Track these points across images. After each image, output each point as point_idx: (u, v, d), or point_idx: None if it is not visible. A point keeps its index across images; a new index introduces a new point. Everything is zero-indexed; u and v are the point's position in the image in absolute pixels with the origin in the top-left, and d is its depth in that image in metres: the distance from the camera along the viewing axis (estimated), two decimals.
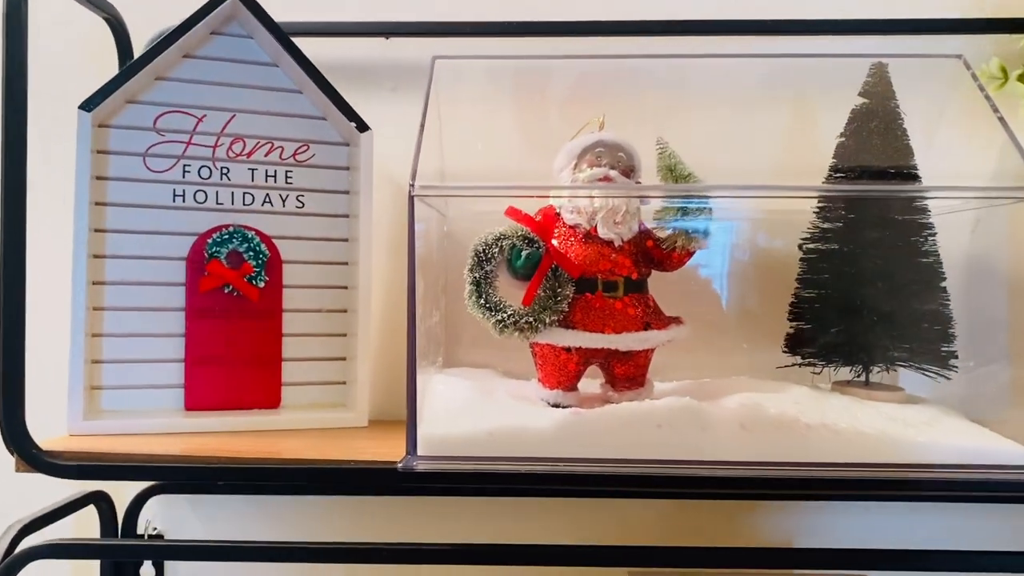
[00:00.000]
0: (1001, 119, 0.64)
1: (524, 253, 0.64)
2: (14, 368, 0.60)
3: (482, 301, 0.64)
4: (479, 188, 0.65)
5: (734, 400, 0.61)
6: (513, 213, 0.65)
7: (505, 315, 0.63)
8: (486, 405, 0.63)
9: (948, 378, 0.66)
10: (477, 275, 0.64)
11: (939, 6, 0.79)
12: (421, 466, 0.58)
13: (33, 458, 0.62)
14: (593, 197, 0.66)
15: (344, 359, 0.79)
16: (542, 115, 0.76)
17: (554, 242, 0.66)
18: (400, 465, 0.58)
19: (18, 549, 0.62)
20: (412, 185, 0.59)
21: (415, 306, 0.59)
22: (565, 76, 0.77)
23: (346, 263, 0.79)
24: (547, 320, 0.64)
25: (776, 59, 0.74)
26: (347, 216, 0.79)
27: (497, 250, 0.64)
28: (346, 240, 0.79)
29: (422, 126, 0.63)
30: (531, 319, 0.64)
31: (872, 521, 0.80)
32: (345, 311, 0.79)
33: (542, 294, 0.64)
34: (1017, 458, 0.58)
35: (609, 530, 0.80)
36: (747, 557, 0.63)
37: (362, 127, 0.77)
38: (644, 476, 0.57)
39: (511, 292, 0.65)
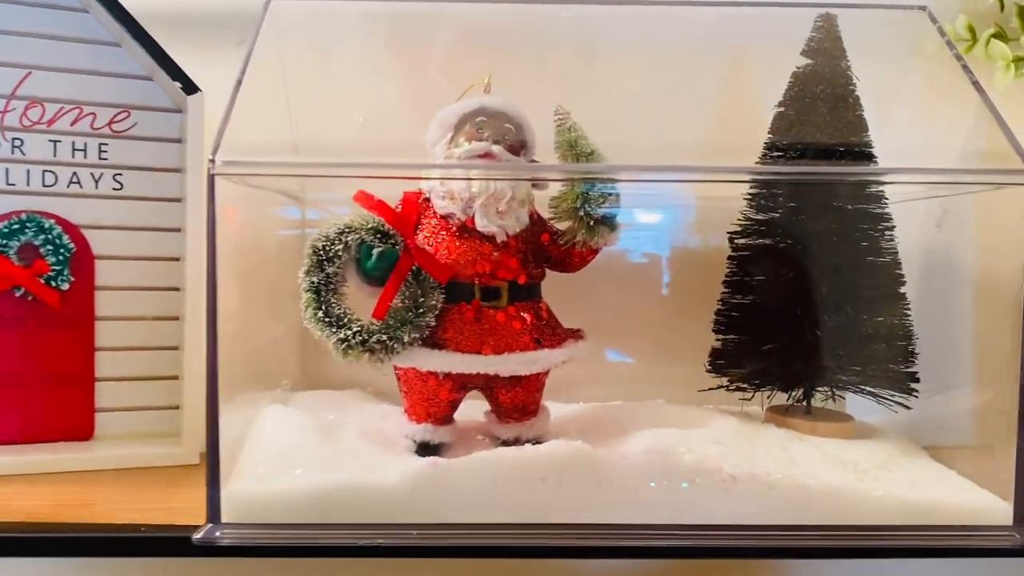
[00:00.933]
0: (976, 83, 0.51)
1: (376, 251, 0.50)
2: None
3: (321, 314, 0.49)
4: (313, 165, 0.50)
5: (641, 442, 0.47)
6: (363, 199, 0.50)
7: (350, 332, 0.49)
8: (323, 450, 0.48)
9: (908, 407, 0.54)
10: (316, 279, 0.49)
11: None
12: (226, 539, 0.44)
13: None
14: (470, 179, 0.51)
15: (175, 378, 0.64)
16: (418, 73, 0.61)
17: (419, 237, 0.52)
18: (196, 537, 0.44)
19: None
20: (212, 161, 0.44)
21: (216, 322, 0.44)
22: (447, 26, 0.62)
23: (177, 259, 0.64)
24: (407, 338, 0.49)
25: (703, 7, 0.60)
26: (178, 200, 0.64)
27: (341, 247, 0.49)
28: (177, 230, 0.63)
29: (238, 83, 0.48)
30: (385, 337, 0.49)
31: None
32: (176, 319, 0.63)
33: (400, 304, 0.50)
34: (997, 515, 0.45)
35: None
36: None
37: (190, 88, 0.61)
38: (521, 547, 0.44)
39: (364, 301, 0.50)
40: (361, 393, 0.64)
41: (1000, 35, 0.63)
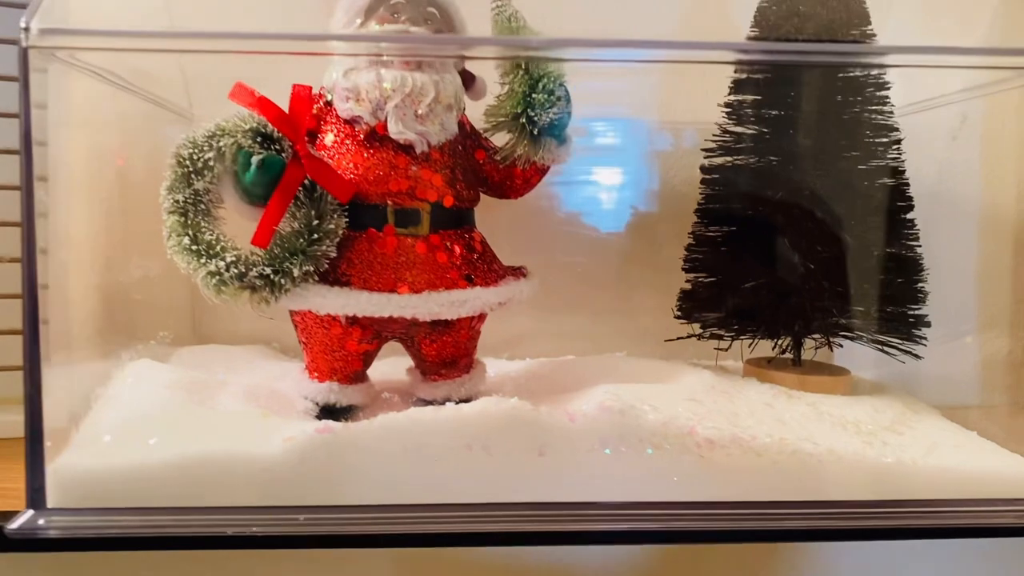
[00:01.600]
0: None
1: (256, 159, 0.39)
2: None
3: (187, 240, 0.38)
4: (167, 36, 0.39)
5: (594, 399, 0.37)
6: (241, 94, 0.39)
7: (223, 263, 0.38)
8: (191, 415, 0.38)
9: (918, 356, 0.44)
10: (181, 197, 0.39)
11: None
12: (52, 529, 0.33)
13: None
14: (381, 57, 0.40)
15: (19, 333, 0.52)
16: None
17: (317, 151, 0.41)
18: (11, 527, 0.33)
19: None
20: (26, 29, 0.32)
21: (35, 260, 0.34)
22: None
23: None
24: (297, 272, 0.39)
25: None
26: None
27: (213, 154, 0.38)
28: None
29: None
30: (269, 271, 0.38)
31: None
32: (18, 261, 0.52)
33: (290, 229, 0.39)
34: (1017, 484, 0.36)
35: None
36: None
37: None
38: (439, 535, 0.33)
39: (245, 224, 0.40)
40: (264, 349, 0.53)
41: None
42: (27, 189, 0.34)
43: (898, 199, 0.45)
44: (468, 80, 0.45)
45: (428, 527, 0.34)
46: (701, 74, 0.49)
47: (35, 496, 0.34)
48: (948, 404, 0.46)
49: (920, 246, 0.45)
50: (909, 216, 0.45)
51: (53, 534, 0.33)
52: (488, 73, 0.44)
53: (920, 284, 0.45)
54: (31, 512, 0.34)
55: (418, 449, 0.35)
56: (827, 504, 0.35)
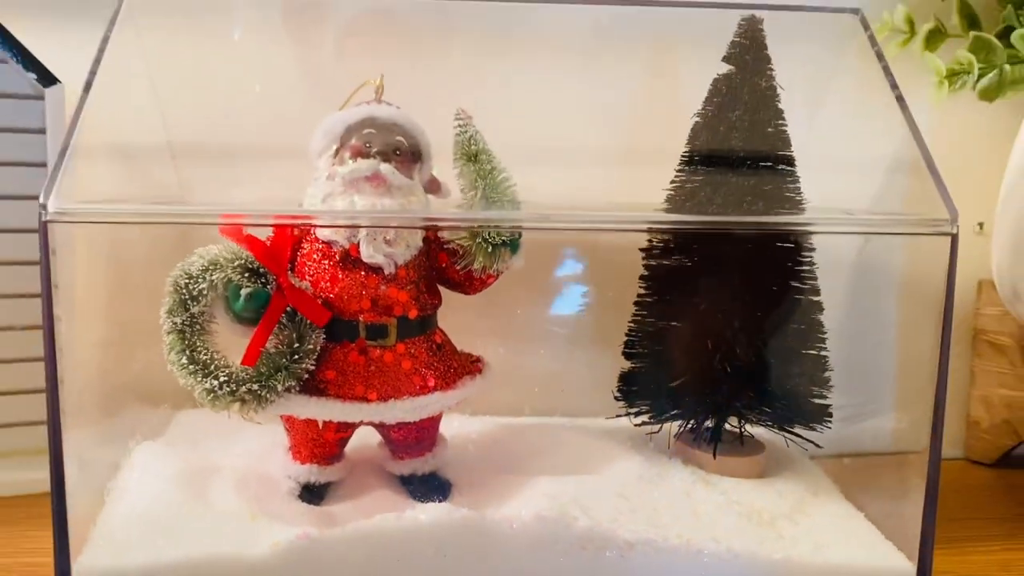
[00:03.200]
0: (899, 98, 0.47)
1: (245, 292, 0.45)
2: None
3: (185, 360, 0.44)
4: (170, 213, 0.44)
5: (533, 503, 0.44)
6: (231, 232, 0.45)
7: (217, 381, 0.44)
8: (190, 516, 0.44)
9: (820, 446, 0.51)
10: (179, 320, 0.44)
11: None
12: None
13: None
14: (356, 226, 0.46)
15: (42, 391, 0.58)
16: (304, 63, 0.55)
17: (298, 264, 0.47)
18: None
19: None
20: (43, 208, 0.38)
21: (56, 386, 0.40)
22: (335, 22, 0.55)
23: (37, 263, 0.57)
24: (280, 387, 0.45)
25: (619, 8, 0.54)
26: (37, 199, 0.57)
27: (206, 285, 0.44)
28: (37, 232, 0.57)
29: (82, 100, 0.42)
30: (256, 387, 0.45)
31: None
32: (40, 328, 0.58)
33: (274, 349, 0.45)
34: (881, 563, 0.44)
35: None
36: None
37: (48, 81, 0.54)
38: None
39: (233, 341, 0.46)
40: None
41: (938, 30, 0.58)
42: (48, 327, 0.40)
43: (810, 302, 0.51)
44: (434, 186, 0.51)
45: None
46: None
47: None
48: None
49: (826, 346, 0.52)
50: (819, 318, 0.52)
51: None
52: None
53: (827, 379, 0.52)
54: None
55: (383, 552, 0.42)
56: None
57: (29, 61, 0.55)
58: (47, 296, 0.41)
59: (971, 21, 0.57)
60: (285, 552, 0.41)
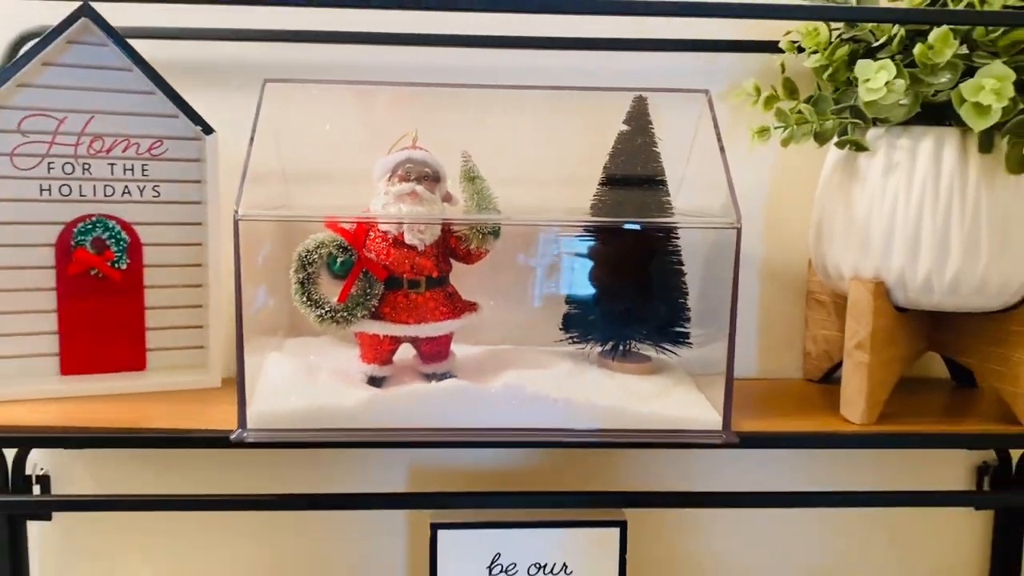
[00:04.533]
0: (722, 149, 0.79)
1: (339, 260, 0.78)
2: None
3: (305, 298, 0.78)
4: (302, 215, 0.78)
5: (502, 380, 0.78)
6: (332, 226, 0.78)
7: (323, 311, 0.78)
8: (308, 383, 0.78)
9: (678, 355, 0.84)
10: (301, 276, 0.78)
11: (715, 29, 0.94)
12: (250, 438, 0.74)
13: None
14: (398, 220, 0.79)
15: (200, 327, 0.92)
16: (366, 128, 0.88)
17: (366, 249, 0.80)
18: (232, 436, 0.74)
19: None
20: (236, 211, 0.72)
21: (242, 314, 0.73)
22: (386, 97, 0.89)
23: (199, 244, 0.91)
24: (359, 315, 0.79)
25: (562, 91, 0.88)
26: (199, 203, 0.91)
27: (317, 256, 0.78)
28: (199, 224, 0.91)
29: (249, 149, 0.75)
30: (345, 314, 0.78)
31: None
32: (200, 286, 0.92)
33: (355, 293, 0.79)
34: (708, 423, 0.76)
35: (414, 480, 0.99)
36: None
37: (207, 129, 0.88)
38: (425, 442, 0.74)
39: (332, 288, 0.79)
40: (330, 339, 0.93)
41: (773, 95, 0.90)
42: (238, 302, 0.73)
43: (676, 270, 0.84)
44: (448, 198, 0.84)
45: (425, 438, 0.74)
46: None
47: (242, 422, 0.74)
48: (706, 373, 0.85)
49: (687, 293, 0.84)
50: (683, 279, 0.85)
51: (250, 440, 0.74)
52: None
53: (686, 313, 0.85)
54: (240, 430, 0.74)
55: (419, 403, 0.75)
56: (605, 430, 0.75)
57: (192, 116, 0.88)
58: (237, 269, 0.74)
59: (791, 90, 0.89)
60: (364, 402, 0.75)
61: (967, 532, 1.05)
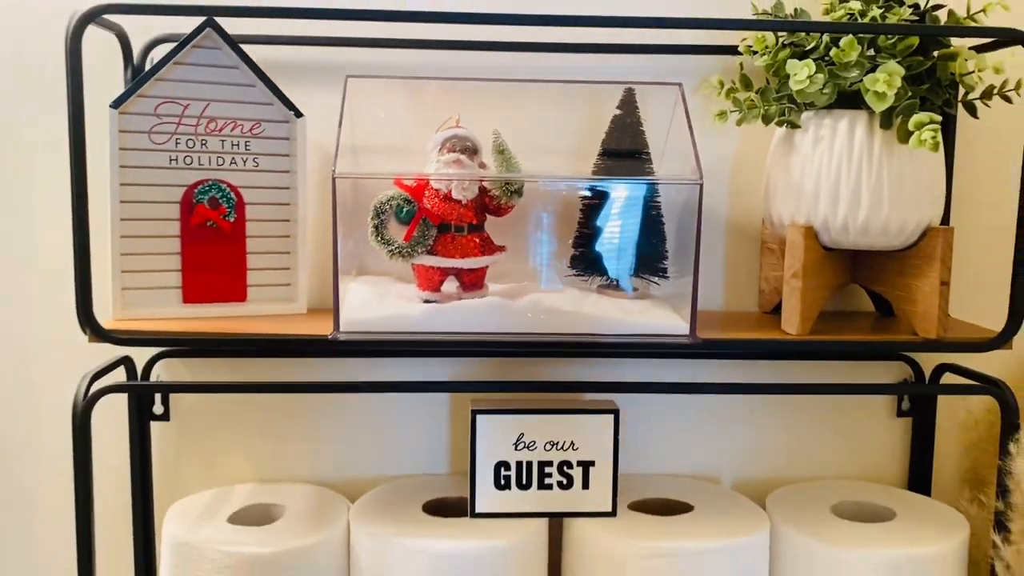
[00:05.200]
0: (690, 128, 1.06)
1: (404, 209, 1.05)
2: (85, 280, 0.98)
3: (378, 238, 1.05)
4: (377, 174, 1.05)
5: (527, 300, 1.04)
6: (398, 183, 1.05)
7: (393, 247, 1.05)
8: (382, 301, 1.05)
9: (658, 284, 1.11)
10: (375, 222, 1.05)
11: (686, 35, 1.20)
12: (342, 337, 1.00)
13: (100, 333, 1.01)
14: (449, 178, 1.06)
15: (288, 269, 1.19)
16: (421, 114, 1.15)
17: (424, 202, 1.06)
18: (329, 336, 1.00)
19: (92, 389, 1.02)
20: (334, 170, 0.98)
21: (337, 248, 0.99)
22: (438, 89, 1.16)
23: (288, 204, 1.18)
24: (419, 251, 1.05)
25: (569, 84, 1.15)
26: (288, 172, 1.17)
27: (388, 207, 1.05)
28: (288, 188, 1.17)
29: (339, 129, 1.02)
30: (409, 250, 1.05)
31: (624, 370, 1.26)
32: (288, 236, 1.18)
33: (416, 234, 1.05)
34: (678, 330, 1.03)
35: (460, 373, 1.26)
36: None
37: (297, 113, 1.15)
38: (469, 342, 1.01)
39: (398, 231, 1.06)
40: (389, 278, 1.19)
41: (733, 88, 1.17)
42: (335, 241, 1.00)
43: (657, 219, 1.11)
44: (482, 166, 1.11)
45: (473, 339, 1.01)
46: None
47: (336, 327, 1.01)
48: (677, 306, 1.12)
49: (665, 239, 1.11)
50: (662, 226, 1.11)
51: (342, 339, 1.00)
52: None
53: (665, 252, 1.11)
54: (335, 332, 1.01)
55: (466, 314, 1.02)
56: (597, 334, 1.02)
57: (286, 103, 1.15)
58: (334, 216, 1.00)
59: (746, 83, 1.16)
60: (426, 311, 1.02)
61: (890, 437, 1.31)
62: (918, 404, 1.29)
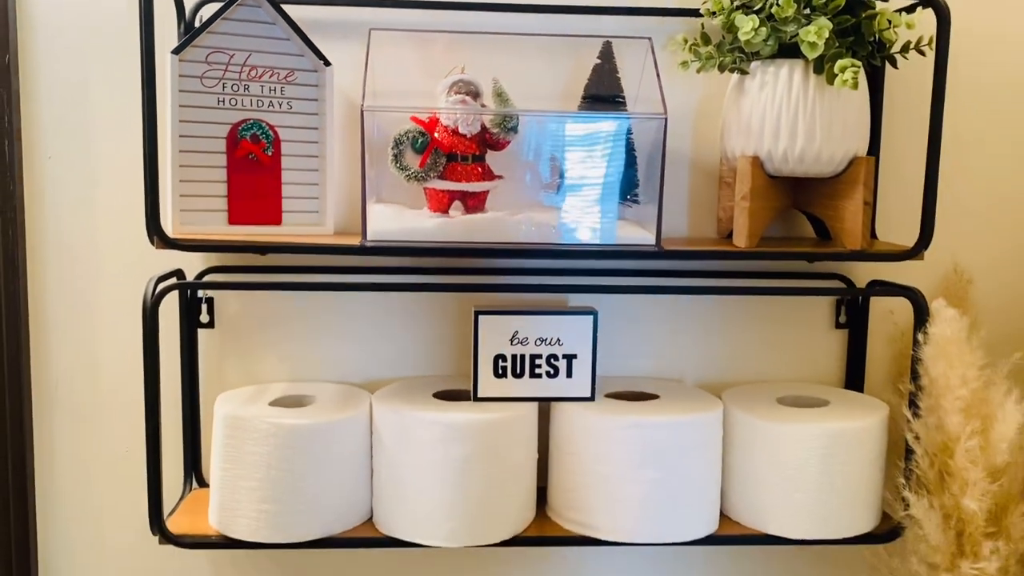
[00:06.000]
0: (658, 76, 1.27)
1: (419, 140, 1.26)
2: (154, 200, 1.19)
3: (397, 165, 1.26)
4: (400, 107, 1.26)
5: (523, 216, 1.26)
6: (414, 119, 1.26)
7: (410, 172, 1.26)
8: (400, 218, 1.26)
9: (631, 207, 1.33)
10: (395, 151, 1.26)
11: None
12: (369, 244, 1.21)
13: (166, 240, 1.21)
14: (455, 112, 1.27)
15: (317, 198, 1.40)
16: (431, 63, 1.36)
17: (436, 135, 1.27)
18: (359, 244, 1.21)
19: (158, 288, 1.23)
20: (363, 105, 1.19)
21: (365, 174, 1.20)
22: (446, 43, 1.36)
23: (317, 141, 1.38)
24: (432, 175, 1.26)
25: (558, 38, 1.36)
26: (317, 114, 1.38)
27: (406, 138, 1.26)
28: (316, 128, 1.38)
29: (366, 69, 1.23)
30: (423, 174, 1.26)
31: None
32: (316, 170, 1.39)
33: (429, 162, 1.27)
34: (645, 240, 1.25)
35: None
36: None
37: (326, 63, 1.35)
38: (471, 248, 1.23)
39: (413, 160, 1.27)
40: (403, 206, 1.40)
41: (696, 44, 1.38)
42: (363, 174, 1.20)
43: (631, 155, 1.32)
44: (484, 106, 1.32)
45: (468, 246, 1.23)
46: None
47: (363, 236, 1.22)
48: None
49: (638, 174, 1.33)
50: (620, 160, 1.33)
51: (369, 245, 1.21)
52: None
53: (637, 184, 1.33)
54: (364, 240, 1.22)
55: (469, 229, 1.23)
56: (580, 243, 1.24)
57: (317, 53, 1.35)
58: (363, 145, 1.21)
59: (706, 40, 1.37)
60: (436, 224, 1.23)
61: (828, 347, 1.54)
62: (852, 318, 1.51)
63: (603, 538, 1.29)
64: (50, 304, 1.44)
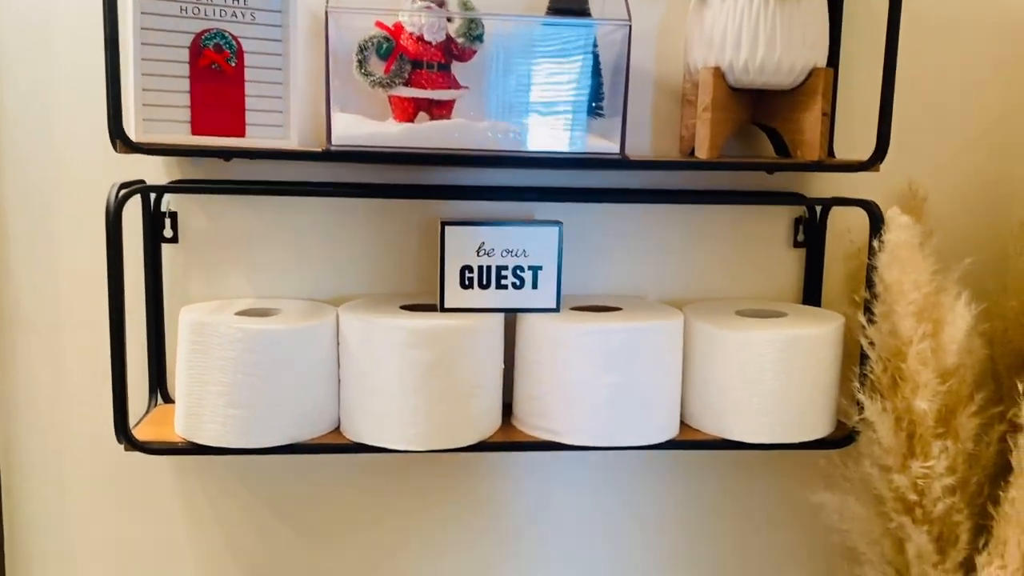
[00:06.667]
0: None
1: (384, 46, 1.26)
2: (117, 106, 1.18)
3: (362, 71, 1.26)
4: (364, 8, 1.26)
5: (488, 122, 1.27)
6: (379, 24, 1.26)
7: (374, 78, 1.26)
8: (365, 124, 1.26)
9: (595, 118, 1.34)
10: (359, 57, 1.26)
11: None
12: (334, 149, 1.22)
13: (129, 144, 1.21)
14: (420, 15, 1.27)
15: (281, 112, 1.39)
16: None
17: (401, 41, 1.27)
18: (322, 149, 1.22)
19: (121, 193, 1.23)
20: (327, 6, 1.19)
21: (329, 79, 1.20)
22: None
23: (279, 54, 1.38)
24: (397, 82, 1.27)
25: None
26: (280, 26, 1.37)
27: (371, 44, 1.26)
28: (280, 40, 1.37)
29: None
30: (388, 81, 1.26)
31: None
32: (281, 82, 1.38)
33: (394, 68, 1.27)
34: (611, 149, 1.27)
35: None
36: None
37: None
38: (436, 155, 1.24)
39: (378, 66, 1.27)
40: (366, 117, 1.40)
41: None
42: (327, 75, 1.20)
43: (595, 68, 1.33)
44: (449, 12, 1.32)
45: (429, 152, 1.23)
46: None
47: (328, 140, 1.22)
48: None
49: (604, 89, 1.34)
50: (599, 74, 1.34)
51: (333, 150, 1.22)
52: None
53: (602, 97, 1.34)
54: (328, 145, 1.22)
55: (429, 133, 1.24)
56: (545, 152, 1.25)
57: None
58: (327, 48, 1.21)
59: None
60: (401, 130, 1.23)
61: (787, 265, 1.57)
62: (810, 237, 1.55)
63: (565, 442, 1.31)
64: (10, 213, 1.42)
